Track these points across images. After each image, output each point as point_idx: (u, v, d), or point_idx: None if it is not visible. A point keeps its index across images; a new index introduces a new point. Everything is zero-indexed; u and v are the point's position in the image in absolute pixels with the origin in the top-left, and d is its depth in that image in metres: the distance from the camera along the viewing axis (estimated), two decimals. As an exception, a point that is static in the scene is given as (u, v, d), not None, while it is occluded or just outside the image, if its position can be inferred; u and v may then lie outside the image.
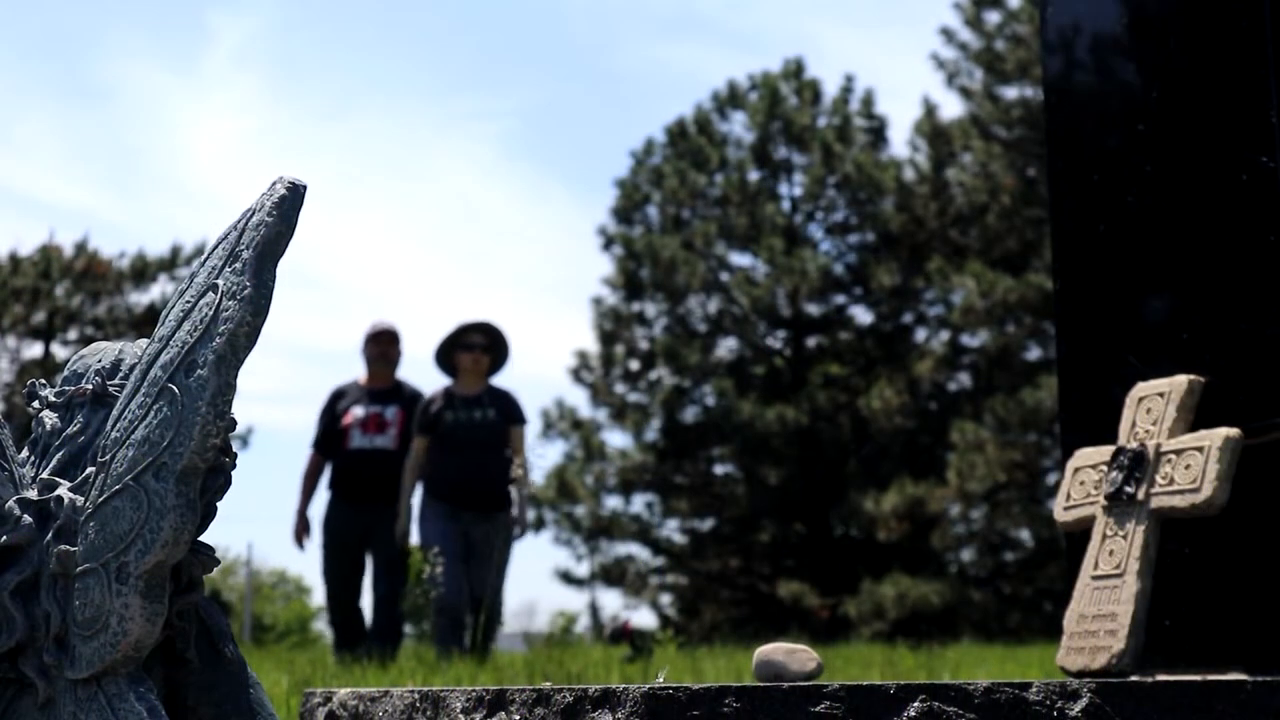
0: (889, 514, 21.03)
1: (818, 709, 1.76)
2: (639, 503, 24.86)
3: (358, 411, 7.37)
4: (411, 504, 7.07)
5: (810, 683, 1.96)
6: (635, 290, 25.03)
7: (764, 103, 25.01)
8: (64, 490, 1.77)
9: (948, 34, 22.22)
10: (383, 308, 55.80)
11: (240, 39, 52.34)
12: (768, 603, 22.86)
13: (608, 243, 25.54)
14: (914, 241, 23.22)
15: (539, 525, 23.76)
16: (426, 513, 7.01)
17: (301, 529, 7.44)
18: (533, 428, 11.79)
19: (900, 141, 51.61)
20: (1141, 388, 2.76)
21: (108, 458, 1.71)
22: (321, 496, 7.52)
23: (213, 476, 1.71)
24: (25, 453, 1.90)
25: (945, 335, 23.64)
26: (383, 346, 7.54)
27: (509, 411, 7.15)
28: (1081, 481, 2.77)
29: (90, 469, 1.76)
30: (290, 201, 1.69)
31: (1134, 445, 2.66)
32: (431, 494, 7.03)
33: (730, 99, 25.65)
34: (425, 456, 7.06)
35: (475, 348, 7.19)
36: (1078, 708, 1.74)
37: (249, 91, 52.75)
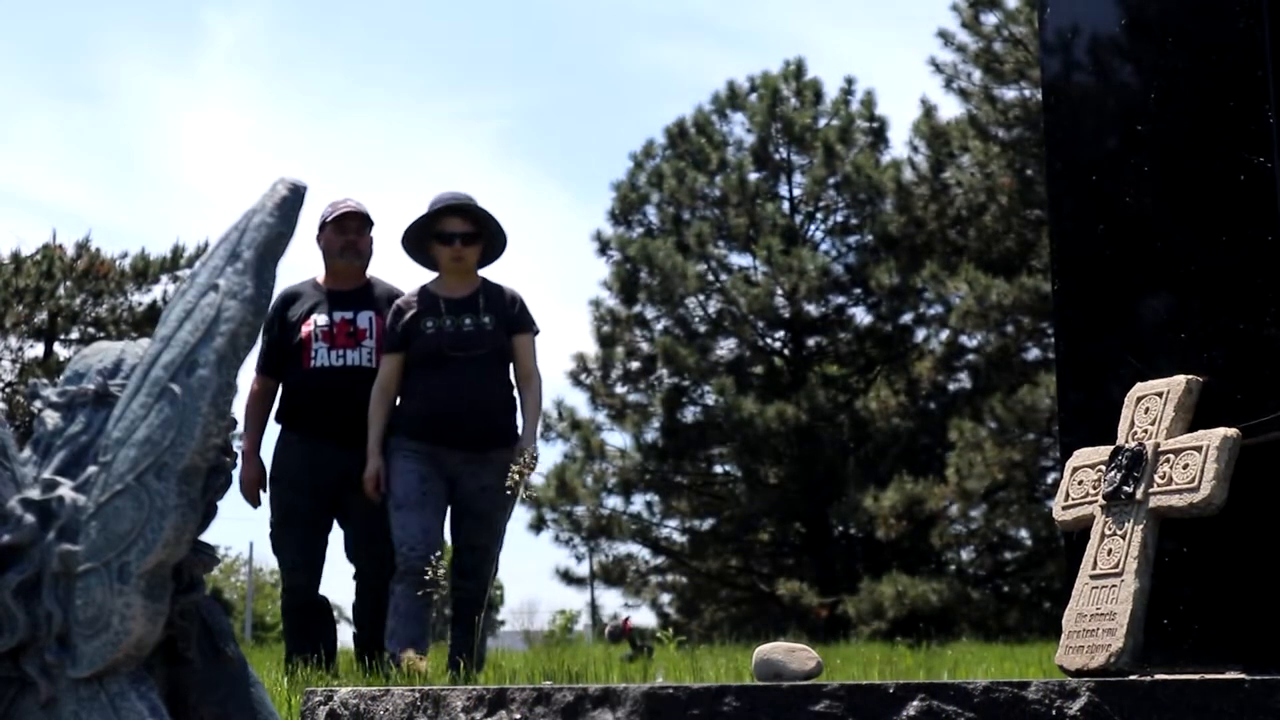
0: (888, 513, 21.02)
1: (817, 708, 1.76)
2: (639, 503, 24.88)
3: (319, 319, 5.51)
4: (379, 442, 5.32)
5: (810, 682, 1.97)
6: (634, 292, 25.00)
7: (764, 104, 24.99)
8: (66, 490, 1.77)
9: (945, 36, 22.20)
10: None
11: (237, 37, 52.31)
12: (767, 602, 22.87)
13: (603, 247, 25.44)
14: (913, 242, 23.21)
15: (539, 525, 23.77)
16: (397, 455, 5.26)
17: (254, 477, 5.51)
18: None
19: (899, 142, 51.62)
20: (1140, 388, 2.76)
21: (109, 457, 1.72)
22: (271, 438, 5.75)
23: (214, 476, 1.72)
24: (27, 452, 1.91)
25: (944, 335, 23.64)
26: (349, 234, 5.60)
27: (512, 317, 5.38)
28: (1080, 481, 2.78)
29: (92, 468, 1.76)
30: (291, 202, 1.70)
31: (1132, 445, 2.67)
32: (404, 430, 5.28)
33: (730, 100, 25.63)
34: (398, 380, 5.31)
35: (454, 239, 5.34)
36: (1076, 706, 1.74)
37: (247, 90, 52.74)
